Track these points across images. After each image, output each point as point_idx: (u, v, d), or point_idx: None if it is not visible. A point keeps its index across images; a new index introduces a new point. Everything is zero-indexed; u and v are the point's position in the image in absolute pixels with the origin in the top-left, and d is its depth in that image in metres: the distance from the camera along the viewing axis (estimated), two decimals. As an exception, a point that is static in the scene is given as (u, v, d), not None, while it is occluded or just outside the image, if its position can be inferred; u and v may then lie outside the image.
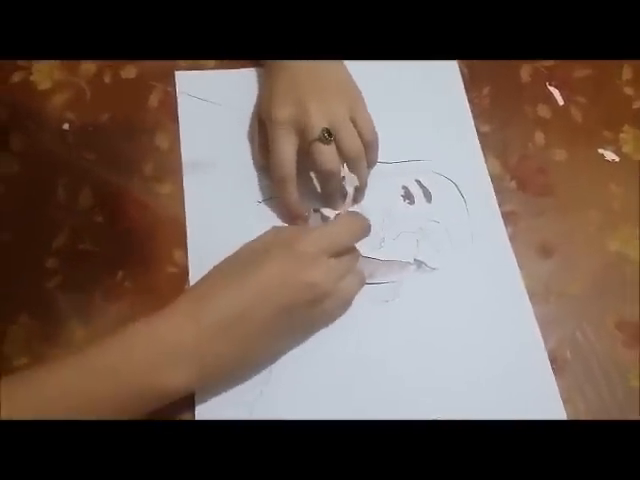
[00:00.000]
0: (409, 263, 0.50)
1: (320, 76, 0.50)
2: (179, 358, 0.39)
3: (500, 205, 0.53)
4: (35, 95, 0.54)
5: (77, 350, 0.39)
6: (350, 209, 0.51)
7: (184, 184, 0.51)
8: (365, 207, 0.52)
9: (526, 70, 0.59)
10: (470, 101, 0.57)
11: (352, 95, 0.51)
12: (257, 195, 0.52)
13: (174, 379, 0.39)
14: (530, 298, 0.49)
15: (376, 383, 0.46)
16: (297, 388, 0.45)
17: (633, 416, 0.46)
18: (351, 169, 0.50)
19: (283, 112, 0.48)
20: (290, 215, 0.50)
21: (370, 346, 0.47)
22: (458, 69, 0.59)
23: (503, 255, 0.51)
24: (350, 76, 0.52)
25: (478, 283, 0.50)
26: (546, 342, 0.48)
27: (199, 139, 0.53)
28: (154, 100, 0.55)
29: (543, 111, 0.58)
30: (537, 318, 0.49)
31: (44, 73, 0.54)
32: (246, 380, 0.44)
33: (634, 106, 0.58)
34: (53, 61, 0.55)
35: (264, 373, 0.45)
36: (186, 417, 0.43)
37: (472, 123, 0.56)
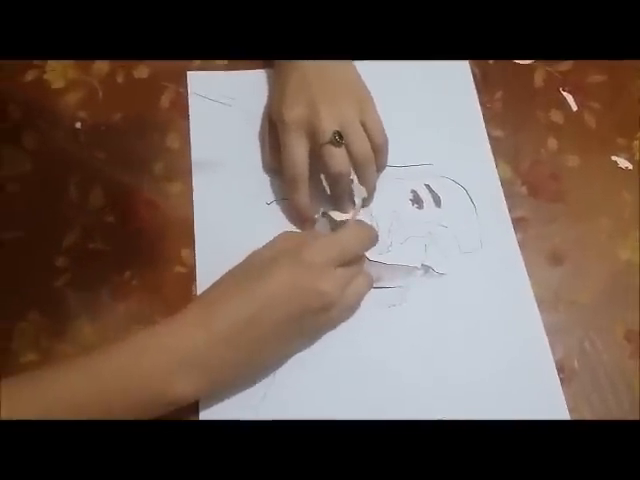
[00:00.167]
0: (416, 268, 0.50)
1: (330, 77, 0.50)
2: (188, 366, 0.39)
3: (510, 211, 0.53)
4: (48, 94, 0.54)
5: (86, 353, 0.39)
6: (358, 213, 0.50)
7: (193, 184, 0.52)
8: (373, 211, 0.52)
9: (539, 75, 0.59)
10: (482, 105, 0.57)
11: (362, 97, 0.51)
12: (266, 196, 0.52)
13: (183, 386, 0.39)
14: (539, 306, 0.49)
15: (380, 387, 0.46)
16: (301, 391, 0.45)
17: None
18: (360, 172, 0.50)
19: (294, 114, 0.48)
20: (300, 217, 0.50)
21: (375, 350, 0.47)
22: (470, 72, 0.58)
23: (512, 262, 0.51)
24: (360, 77, 0.52)
25: (486, 290, 0.50)
26: (554, 351, 0.47)
27: (210, 139, 0.54)
28: (166, 100, 0.55)
29: (556, 116, 0.57)
30: (545, 326, 0.48)
31: (58, 72, 0.55)
32: (252, 384, 0.45)
33: (649, 113, 0.58)
34: (67, 60, 0.55)
35: (268, 376, 0.45)
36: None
37: (483, 127, 0.56)
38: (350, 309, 0.47)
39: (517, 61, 0.59)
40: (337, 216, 0.51)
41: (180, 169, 0.52)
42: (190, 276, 0.48)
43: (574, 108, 0.58)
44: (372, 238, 0.47)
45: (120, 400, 0.38)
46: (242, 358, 0.42)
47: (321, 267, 0.43)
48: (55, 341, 0.45)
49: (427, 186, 0.53)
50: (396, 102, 0.55)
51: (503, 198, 0.53)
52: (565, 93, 0.58)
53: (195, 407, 0.43)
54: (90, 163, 0.52)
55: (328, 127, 0.47)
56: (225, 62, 0.57)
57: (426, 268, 0.50)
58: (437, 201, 0.53)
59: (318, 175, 0.51)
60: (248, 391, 0.44)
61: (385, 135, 0.51)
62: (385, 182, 0.53)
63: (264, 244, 0.46)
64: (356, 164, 0.49)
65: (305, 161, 0.49)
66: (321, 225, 0.50)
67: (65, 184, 0.51)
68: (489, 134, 0.56)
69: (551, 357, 0.47)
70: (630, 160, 0.55)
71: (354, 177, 0.50)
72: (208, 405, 0.44)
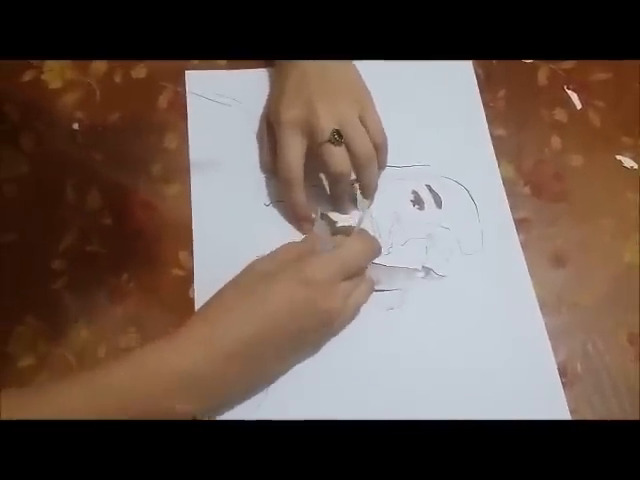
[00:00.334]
0: (417, 270, 0.49)
1: (329, 76, 0.49)
2: (188, 385, 0.39)
3: (513, 211, 0.52)
4: (46, 94, 0.54)
5: (88, 369, 0.39)
6: (357, 214, 0.50)
7: (191, 185, 0.51)
8: (374, 212, 0.51)
9: (543, 72, 0.58)
10: (485, 104, 0.56)
11: (361, 96, 0.50)
12: (265, 198, 0.51)
13: (183, 405, 0.39)
14: (541, 308, 0.48)
15: (380, 391, 0.45)
16: (300, 394, 0.45)
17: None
18: (361, 172, 0.49)
19: (291, 113, 0.48)
20: (296, 218, 0.50)
21: (374, 353, 0.46)
22: (473, 70, 0.57)
23: (514, 264, 0.50)
24: (359, 76, 0.51)
25: (488, 292, 0.49)
26: (556, 354, 0.47)
27: (208, 140, 0.53)
28: (164, 100, 0.54)
29: (560, 115, 0.56)
30: (548, 329, 0.48)
31: (55, 72, 0.55)
32: (252, 396, 0.44)
33: (655, 111, 0.57)
34: (64, 60, 0.55)
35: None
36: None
37: (486, 126, 0.55)
38: (350, 317, 0.46)
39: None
40: (336, 217, 0.51)
41: (178, 170, 0.52)
42: (188, 279, 0.48)
43: (578, 106, 0.57)
44: (375, 251, 0.47)
45: (120, 417, 0.38)
46: (243, 375, 0.41)
47: (323, 285, 0.42)
48: (52, 345, 0.45)
49: (428, 187, 0.52)
50: (398, 101, 0.55)
51: (505, 198, 0.52)
52: (569, 91, 0.57)
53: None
54: (87, 164, 0.51)
55: (326, 126, 0.47)
56: (224, 61, 0.56)
57: (427, 270, 0.49)
58: (438, 202, 0.52)
59: (317, 175, 0.51)
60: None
61: (384, 134, 0.50)
62: (386, 183, 0.52)
63: (264, 251, 0.46)
64: (357, 163, 0.48)
65: (300, 163, 0.48)
66: (320, 227, 0.50)
67: (62, 186, 0.50)
68: (492, 133, 0.55)
69: (553, 360, 0.47)
70: (635, 159, 0.54)
71: (357, 191, 0.49)
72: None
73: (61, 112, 0.53)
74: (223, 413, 0.43)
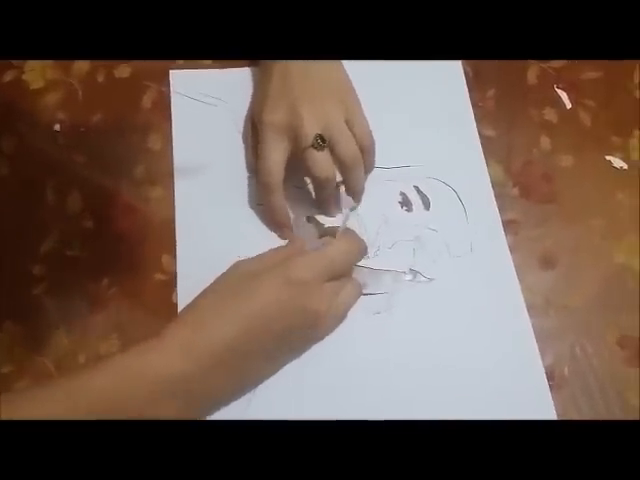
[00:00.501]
0: (404, 273, 0.49)
1: (314, 77, 0.48)
2: (173, 388, 0.38)
3: (501, 213, 0.51)
4: (27, 95, 0.53)
5: (67, 375, 0.39)
6: (347, 221, 0.49)
7: (175, 187, 0.50)
8: (361, 214, 0.50)
9: (533, 72, 0.57)
10: (474, 103, 0.55)
11: (347, 97, 0.49)
12: (250, 200, 0.50)
13: (166, 411, 0.38)
14: (529, 311, 0.48)
15: (368, 393, 0.45)
16: (286, 397, 0.44)
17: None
18: (347, 175, 0.48)
19: (275, 117, 0.47)
20: (274, 223, 0.49)
21: (361, 358, 0.46)
22: (462, 70, 0.57)
23: (502, 266, 0.49)
24: (346, 76, 0.50)
25: (475, 295, 0.48)
26: (544, 357, 0.46)
27: (193, 140, 0.52)
28: (147, 100, 0.53)
29: (550, 115, 0.55)
30: (535, 332, 0.47)
31: (36, 72, 0.54)
32: (239, 398, 0.43)
33: (645, 110, 0.56)
34: (46, 60, 0.54)
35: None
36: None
37: (475, 127, 0.54)
38: (338, 319, 0.46)
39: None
40: (323, 220, 0.50)
41: (161, 172, 0.51)
42: (171, 283, 0.47)
43: (568, 106, 0.56)
44: (361, 251, 0.46)
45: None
46: (229, 377, 0.41)
47: (309, 284, 0.42)
48: (31, 352, 0.44)
49: (416, 188, 0.52)
50: (385, 101, 0.54)
51: (494, 200, 0.52)
52: (559, 90, 0.56)
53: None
54: (68, 166, 0.50)
55: (310, 130, 0.46)
56: (209, 61, 0.55)
57: (414, 273, 0.49)
58: (426, 204, 0.51)
59: (303, 179, 0.50)
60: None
61: (371, 136, 0.49)
62: (374, 184, 0.51)
63: (249, 254, 0.45)
64: (342, 167, 0.48)
65: (281, 168, 0.47)
66: (307, 230, 0.49)
67: (42, 188, 0.49)
68: (481, 133, 0.54)
69: (540, 363, 0.46)
70: (625, 160, 0.54)
71: (342, 186, 0.48)
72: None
73: (42, 113, 0.52)
74: (211, 414, 0.42)
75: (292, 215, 0.50)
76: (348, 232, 0.47)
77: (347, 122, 0.48)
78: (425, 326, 0.47)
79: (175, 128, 0.53)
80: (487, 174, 0.53)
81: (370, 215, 0.50)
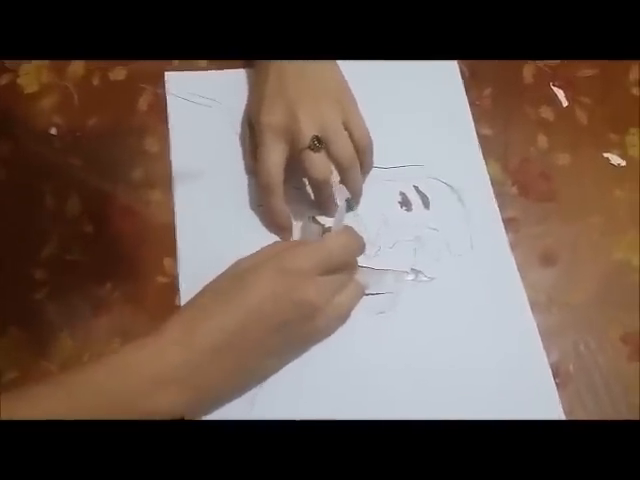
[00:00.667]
0: (406, 273, 0.48)
1: (310, 78, 0.48)
2: (169, 385, 0.38)
3: (501, 211, 0.51)
4: (22, 99, 0.52)
5: (65, 370, 0.39)
6: (345, 216, 0.49)
7: (174, 189, 0.50)
8: (361, 214, 0.50)
9: (529, 70, 0.57)
10: (471, 103, 0.55)
11: (344, 98, 0.49)
12: (250, 200, 0.50)
13: (164, 405, 0.38)
14: (532, 308, 0.48)
15: (371, 393, 0.44)
16: (290, 399, 0.44)
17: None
18: (344, 176, 0.48)
19: (271, 118, 0.47)
20: (274, 224, 0.49)
21: (365, 358, 0.46)
22: (458, 69, 0.57)
23: (504, 263, 0.50)
24: (342, 77, 0.50)
25: (478, 293, 0.48)
26: (549, 354, 0.46)
27: (190, 142, 0.52)
28: (144, 103, 0.53)
29: (546, 113, 0.56)
30: (539, 329, 0.47)
31: (31, 76, 0.53)
32: (240, 395, 0.43)
33: (642, 107, 0.56)
34: (41, 63, 0.53)
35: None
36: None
37: (472, 126, 0.54)
38: (340, 319, 0.45)
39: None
40: (324, 220, 0.50)
41: (160, 174, 0.50)
42: (173, 286, 0.47)
43: (564, 104, 0.56)
44: (360, 246, 0.46)
45: (100, 417, 0.37)
46: (226, 374, 0.40)
47: (303, 275, 0.41)
48: (36, 357, 0.44)
49: (415, 188, 0.52)
50: (383, 101, 0.54)
51: (493, 198, 0.52)
52: (555, 88, 0.57)
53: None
54: (66, 170, 0.50)
55: (306, 131, 0.46)
56: (204, 62, 0.55)
57: (416, 272, 0.49)
58: (426, 203, 0.51)
59: (302, 180, 0.50)
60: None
61: (369, 137, 0.49)
62: (373, 184, 0.51)
63: (249, 251, 0.44)
64: (339, 168, 0.47)
65: (280, 169, 0.47)
66: (310, 230, 0.49)
67: (40, 193, 0.49)
68: (478, 132, 0.54)
69: (546, 360, 0.46)
70: (622, 157, 0.54)
71: (335, 186, 0.48)
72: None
73: (38, 117, 0.52)
74: (212, 412, 0.42)
75: (293, 216, 0.49)
76: (347, 228, 0.47)
77: (344, 123, 0.48)
78: (428, 325, 0.47)
79: (172, 130, 0.52)
80: (486, 173, 0.53)
81: (370, 215, 0.50)
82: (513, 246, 0.50)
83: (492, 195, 0.52)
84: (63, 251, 0.47)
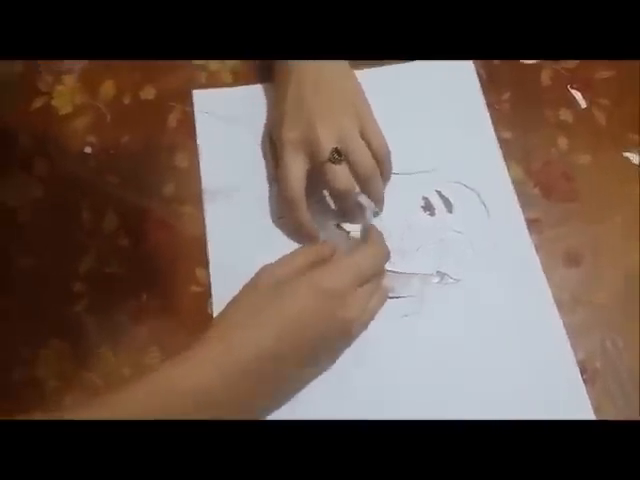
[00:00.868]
0: (431, 275, 0.50)
1: (327, 90, 0.49)
2: (204, 404, 0.38)
3: (524, 213, 0.52)
4: (56, 120, 0.55)
5: (113, 390, 0.39)
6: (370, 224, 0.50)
7: (205, 202, 0.52)
8: (385, 220, 0.51)
9: (546, 73, 0.58)
10: (489, 106, 0.56)
11: (360, 108, 0.50)
12: (275, 212, 0.52)
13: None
14: (557, 308, 0.48)
15: (399, 397, 0.45)
16: (313, 403, 0.44)
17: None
18: (366, 185, 0.49)
19: (291, 134, 0.48)
20: (301, 236, 0.50)
21: (392, 359, 0.47)
22: (475, 74, 0.58)
23: (528, 264, 0.50)
24: (358, 85, 0.52)
25: (504, 294, 0.49)
26: (575, 352, 0.47)
27: (218, 157, 0.54)
28: (173, 120, 0.55)
29: (565, 115, 0.56)
30: (565, 328, 0.48)
31: (65, 97, 0.55)
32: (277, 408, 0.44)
33: (659, 106, 0.57)
34: (74, 85, 0.56)
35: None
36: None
37: (492, 129, 0.55)
38: (365, 325, 0.46)
39: (523, 60, 0.58)
40: (349, 227, 0.51)
41: (190, 188, 0.52)
42: (205, 295, 0.48)
43: (583, 105, 0.57)
44: (386, 254, 0.47)
45: None
46: (266, 386, 0.41)
47: (342, 294, 0.42)
48: (77, 367, 0.46)
49: (438, 192, 0.53)
50: (402, 108, 0.55)
51: (516, 200, 0.53)
52: (573, 90, 0.57)
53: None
54: (101, 187, 0.52)
55: (326, 145, 0.47)
56: (230, 78, 0.57)
57: (441, 275, 0.50)
58: (449, 207, 0.52)
59: (321, 191, 0.51)
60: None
61: (386, 145, 0.50)
62: (395, 190, 0.52)
63: (276, 258, 0.46)
64: (360, 178, 0.49)
65: (301, 183, 0.48)
66: (336, 237, 0.50)
67: (77, 209, 0.51)
68: (498, 136, 0.55)
69: (574, 358, 0.47)
70: (643, 156, 0.55)
71: (362, 199, 0.49)
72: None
73: (73, 137, 0.54)
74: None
75: (317, 225, 0.50)
76: (372, 236, 0.48)
77: (361, 132, 0.49)
78: (455, 326, 0.48)
79: (201, 145, 0.54)
80: (507, 175, 0.53)
81: (394, 221, 0.51)
82: (537, 247, 0.51)
83: (514, 197, 0.53)
84: (101, 264, 0.49)
